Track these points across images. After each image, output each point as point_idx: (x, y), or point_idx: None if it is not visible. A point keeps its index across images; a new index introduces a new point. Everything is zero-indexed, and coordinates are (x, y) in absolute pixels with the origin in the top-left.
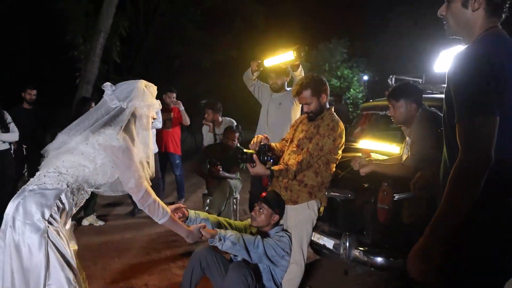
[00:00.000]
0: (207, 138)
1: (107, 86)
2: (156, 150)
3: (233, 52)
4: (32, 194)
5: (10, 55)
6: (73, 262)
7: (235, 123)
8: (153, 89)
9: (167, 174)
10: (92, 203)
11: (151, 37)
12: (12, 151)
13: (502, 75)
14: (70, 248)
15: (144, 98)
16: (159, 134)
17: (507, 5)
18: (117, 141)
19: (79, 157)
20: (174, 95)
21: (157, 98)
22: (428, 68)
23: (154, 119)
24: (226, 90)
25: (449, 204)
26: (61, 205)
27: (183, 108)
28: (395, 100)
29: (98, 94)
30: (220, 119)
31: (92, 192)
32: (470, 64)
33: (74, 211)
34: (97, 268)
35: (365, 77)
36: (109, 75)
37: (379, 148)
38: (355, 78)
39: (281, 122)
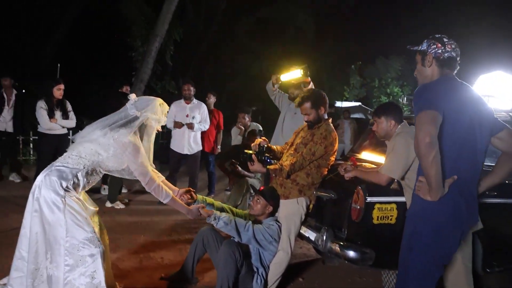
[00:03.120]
0: (236, 140)
1: (131, 97)
2: (200, 148)
3: (283, 61)
4: (56, 169)
5: (80, 55)
6: (89, 219)
7: (259, 128)
8: (165, 107)
9: (202, 171)
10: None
11: (206, 42)
12: None
13: (441, 98)
14: (87, 210)
15: (156, 112)
16: (182, 134)
17: (457, 62)
18: (128, 138)
19: (97, 146)
20: (214, 97)
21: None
22: None
23: (159, 131)
24: None
25: (423, 167)
26: (76, 181)
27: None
28: (377, 117)
29: (149, 92)
30: (249, 124)
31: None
32: (423, 88)
33: (87, 188)
34: (124, 240)
35: None
36: (163, 76)
37: (377, 160)
38: (405, 97)
39: (294, 129)
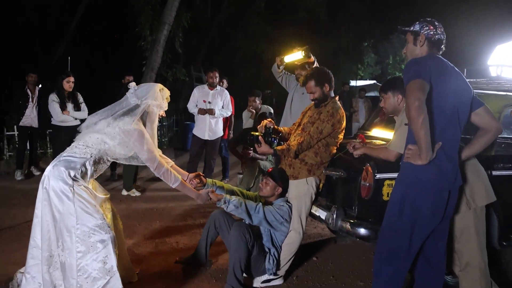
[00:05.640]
0: (247, 123)
1: (131, 86)
2: (221, 134)
3: (295, 44)
4: (64, 159)
5: (88, 47)
6: (98, 206)
7: (270, 110)
8: (165, 92)
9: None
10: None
11: (215, 28)
12: None
13: (429, 71)
14: (96, 198)
15: (156, 98)
16: (203, 120)
17: (443, 42)
18: (132, 125)
19: (102, 136)
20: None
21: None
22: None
23: (162, 116)
24: None
25: (413, 130)
26: (84, 170)
27: None
28: (384, 93)
29: (160, 80)
30: (259, 106)
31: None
32: (412, 62)
33: (95, 176)
34: (141, 227)
35: None
36: (173, 64)
37: (388, 137)
38: None
39: (303, 109)
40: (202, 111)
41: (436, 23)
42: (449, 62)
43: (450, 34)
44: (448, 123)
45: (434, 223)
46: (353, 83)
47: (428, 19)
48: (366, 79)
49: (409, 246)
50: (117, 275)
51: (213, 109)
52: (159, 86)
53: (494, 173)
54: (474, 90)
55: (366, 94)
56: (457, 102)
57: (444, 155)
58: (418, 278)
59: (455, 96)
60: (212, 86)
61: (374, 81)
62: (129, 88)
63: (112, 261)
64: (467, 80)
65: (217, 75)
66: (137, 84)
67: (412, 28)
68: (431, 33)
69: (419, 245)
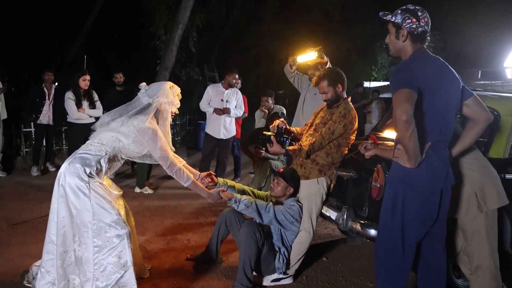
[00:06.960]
0: (260, 123)
1: (142, 86)
2: (234, 133)
3: (309, 44)
4: (80, 156)
5: (102, 46)
6: (114, 203)
7: (283, 110)
8: (176, 89)
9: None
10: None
11: (229, 27)
12: None
13: (417, 77)
14: (111, 194)
15: (167, 96)
16: (218, 119)
17: (428, 34)
18: (146, 124)
19: (117, 134)
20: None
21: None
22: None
23: (175, 114)
24: None
25: (401, 142)
26: (99, 167)
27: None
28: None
29: (174, 79)
30: (272, 106)
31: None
32: (399, 69)
33: (109, 173)
34: (153, 223)
35: None
36: (187, 63)
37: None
38: None
39: (315, 110)
40: (219, 112)
41: (419, 13)
42: (464, 63)
43: (466, 35)
44: (439, 122)
45: (427, 223)
46: (366, 84)
47: (411, 7)
48: (380, 81)
49: (403, 245)
50: (131, 270)
51: (229, 108)
52: (169, 83)
53: (508, 176)
54: (489, 93)
55: (380, 96)
56: (448, 100)
57: (435, 153)
58: (420, 279)
59: (446, 94)
60: (231, 87)
61: (388, 83)
62: (140, 89)
63: (127, 256)
64: (480, 81)
65: (237, 76)
66: (148, 84)
67: (393, 19)
68: (414, 26)
69: (414, 244)
